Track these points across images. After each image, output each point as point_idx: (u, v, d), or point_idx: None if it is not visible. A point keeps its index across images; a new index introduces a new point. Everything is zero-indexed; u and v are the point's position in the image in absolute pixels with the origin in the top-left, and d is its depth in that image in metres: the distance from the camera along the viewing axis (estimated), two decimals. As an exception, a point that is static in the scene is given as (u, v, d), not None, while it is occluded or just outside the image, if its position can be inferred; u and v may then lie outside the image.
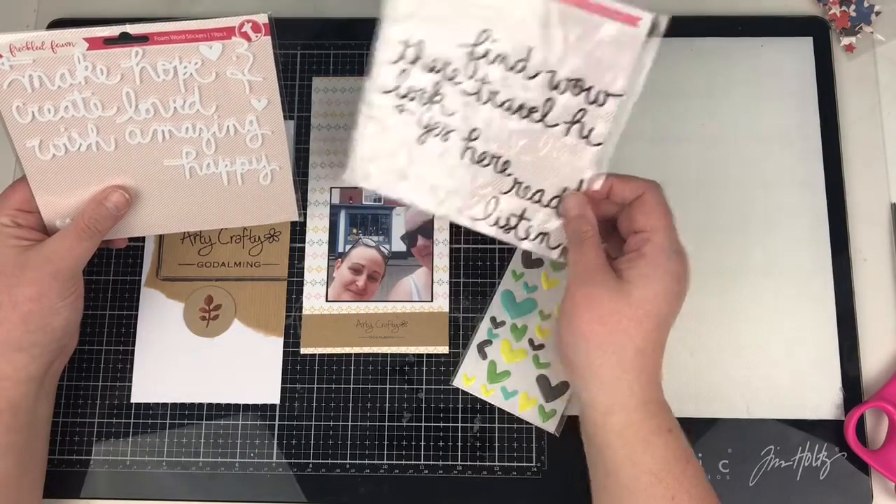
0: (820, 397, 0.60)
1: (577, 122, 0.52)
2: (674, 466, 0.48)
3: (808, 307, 0.61)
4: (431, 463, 0.59)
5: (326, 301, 0.62)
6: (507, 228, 0.54)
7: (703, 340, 0.61)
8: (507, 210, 0.54)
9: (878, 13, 0.66)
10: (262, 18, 0.51)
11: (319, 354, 0.61)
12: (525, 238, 0.54)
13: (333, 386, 0.61)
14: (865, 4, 0.66)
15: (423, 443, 0.60)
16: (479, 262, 0.63)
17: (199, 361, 0.61)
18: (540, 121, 0.52)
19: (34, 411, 0.54)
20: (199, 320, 0.62)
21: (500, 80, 0.51)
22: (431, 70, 0.52)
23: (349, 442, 0.60)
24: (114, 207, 0.54)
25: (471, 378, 0.60)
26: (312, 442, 0.60)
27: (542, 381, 0.60)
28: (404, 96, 0.53)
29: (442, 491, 0.57)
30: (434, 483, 0.57)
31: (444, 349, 0.61)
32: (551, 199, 0.53)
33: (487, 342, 0.61)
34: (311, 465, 0.60)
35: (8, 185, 0.55)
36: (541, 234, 0.54)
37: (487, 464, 0.59)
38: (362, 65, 0.67)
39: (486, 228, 0.54)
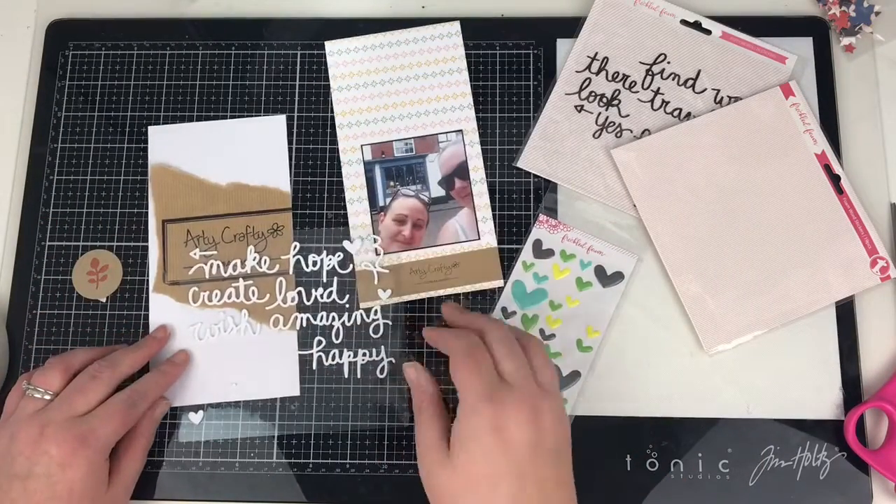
0: (820, 397, 0.60)
1: None
2: None
3: (808, 307, 0.61)
4: (431, 463, 0.59)
5: (376, 255, 0.62)
6: None
7: (703, 340, 0.61)
8: None
9: (877, 13, 0.66)
10: None
11: (322, 353, 0.61)
12: None
13: (334, 386, 0.61)
14: (865, 4, 0.66)
15: (423, 443, 0.60)
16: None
17: (213, 360, 0.61)
18: None
19: None
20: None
21: (672, 92, 0.64)
22: (612, 80, 0.64)
23: (349, 442, 0.60)
24: (160, 417, 0.59)
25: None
26: (312, 442, 0.60)
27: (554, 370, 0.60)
28: (584, 98, 0.64)
29: (442, 491, 0.57)
30: (434, 483, 0.57)
31: (500, 283, 0.62)
32: None
33: None
34: (311, 465, 0.60)
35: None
36: None
37: (487, 464, 0.59)
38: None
39: None
